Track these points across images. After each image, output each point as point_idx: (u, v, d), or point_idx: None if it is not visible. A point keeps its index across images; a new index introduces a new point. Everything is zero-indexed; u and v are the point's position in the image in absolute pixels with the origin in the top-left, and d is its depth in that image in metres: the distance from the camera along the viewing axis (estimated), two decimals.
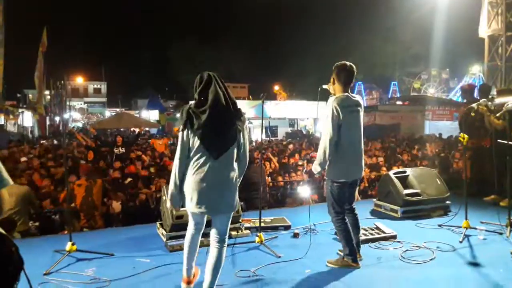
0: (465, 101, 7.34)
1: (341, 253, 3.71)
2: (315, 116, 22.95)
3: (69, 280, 3.36)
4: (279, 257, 3.85)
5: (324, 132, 3.49)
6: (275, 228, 4.69)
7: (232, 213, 2.96)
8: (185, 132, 2.79)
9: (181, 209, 3.06)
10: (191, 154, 2.78)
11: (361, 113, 3.59)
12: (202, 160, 2.76)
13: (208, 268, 2.91)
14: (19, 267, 1.40)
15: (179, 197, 2.87)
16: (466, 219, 4.48)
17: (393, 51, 38.65)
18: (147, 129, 24.00)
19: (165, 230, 4.40)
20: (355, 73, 3.54)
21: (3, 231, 1.39)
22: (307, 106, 22.59)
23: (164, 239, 4.29)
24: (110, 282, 3.33)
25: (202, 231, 3.07)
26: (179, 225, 4.28)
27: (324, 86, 3.74)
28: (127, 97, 50.34)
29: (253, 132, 19.66)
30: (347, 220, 3.62)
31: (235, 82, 42.21)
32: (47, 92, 29.70)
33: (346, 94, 3.51)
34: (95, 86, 50.88)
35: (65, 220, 5.34)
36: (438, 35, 28.55)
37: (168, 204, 2.95)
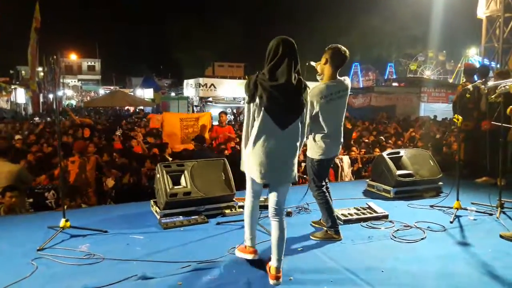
0: (464, 80, 7.32)
1: (316, 225, 4.11)
2: None
3: (63, 256, 3.38)
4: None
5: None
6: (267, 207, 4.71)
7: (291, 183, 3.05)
8: (251, 105, 2.85)
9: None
10: (258, 125, 2.82)
11: (347, 96, 3.77)
12: (268, 132, 2.82)
13: (273, 242, 2.99)
14: None
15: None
16: (457, 200, 4.53)
17: (391, 32, 38.30)
18: (141, 107, 23.84)
19: (158, 207, 4.42)
20: (348, 58, 3.66)
21: None
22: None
23: (158, 217, 4.32)
24: (104, 259, 3.35)
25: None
26: (173, 203, 4.31)
27: (312, 63, 3.84)
28: (122, 75, 49.80)
29: None
30: (327, 193, 3.82)
31: (231, 61, 41.80)
32: (40, 68, 29.27)
33: (330, 81, 3.62)
34: (89, 63, 50.15)
35: (59, 196, 5.34)
36: (436, 16, 28.22)
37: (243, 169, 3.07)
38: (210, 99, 22.19)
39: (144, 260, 3.34)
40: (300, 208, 4.72)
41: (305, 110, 2.96)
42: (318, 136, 3.68)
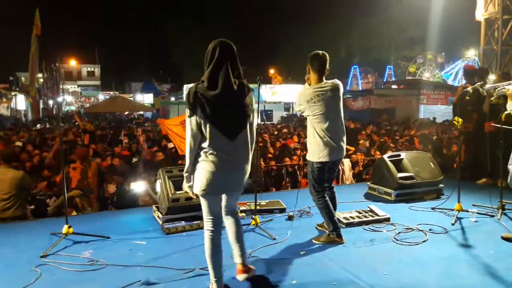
0: (464, 83, 7.34)
1: (321, 228, 4.07)
2: None
3: (66, 262, 3.39)
4: (274, 239, 3.90)
5: None
6: (270, 211, 4.74)
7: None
8: (194, 118, 2.64)
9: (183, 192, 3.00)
10: (206, 137, 2.66)
11: (338, 97, 3.75)
12: (217, 144, 2.67)
13: (233, 240, 2.90)
14: None
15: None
16: (458, 202, 4.54)
17: (389, 34, 38.34)
18: (141, 112, 23.86)
19: (161, 213, 4.42)
20: (328, 60, 3.74)
21: None
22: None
23: (160, 222, 4.32)
24: (107, 265, 3.36)
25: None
26: (175, 208, 4.32)
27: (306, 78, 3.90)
28: (121, 80, 49.88)
29: None
30: (327, 198, 3.81)
31: None
32: (40, 75, 29.33)
33: (315, 85, 3.70)
34: (89, 69, 50.27)
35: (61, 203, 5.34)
36: (435, 18, 28.33)
37: (187, 189, 2.84)
38: None
39: (147, 265, 3.35)
40: (302, 211, 4.73)
41: (251, 115, 2.82)
42: (316, 138, 3.70)
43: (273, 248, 3.71)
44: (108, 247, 3.82)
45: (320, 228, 4.14)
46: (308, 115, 3.76)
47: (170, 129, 9.06)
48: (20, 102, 27.95)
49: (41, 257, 3.50)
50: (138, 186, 6.12)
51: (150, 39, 47.56)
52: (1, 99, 24.31)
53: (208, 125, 2.64)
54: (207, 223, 2.82)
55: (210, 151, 2.67)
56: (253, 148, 2.91)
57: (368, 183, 5.91)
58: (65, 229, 3.85)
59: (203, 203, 2.82)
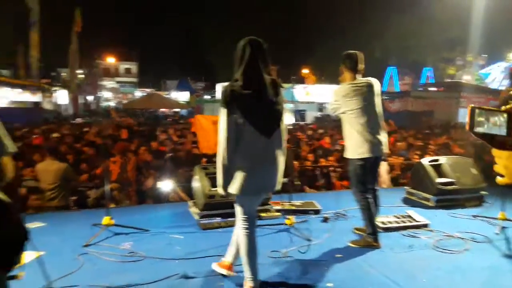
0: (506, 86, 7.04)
1: (358, 232, 3.97)
2: None
3: (107, 252, 3.51)
4: (310, 240, 3.88)
5: None
6: (305, 212, 4.71)
7: None
8: (230, 117, 2.63)
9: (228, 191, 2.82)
10: (240, 136, 2.64)
11: (373, 91, 3.75)
12: (253, 143, 2.65)
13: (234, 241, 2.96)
14: (22, 237, 1.39)
15: (230, 182, 2.71)
16: (502, 210, 4.36)
17: (428, 34, 37.23)
18: (177, 110, 24.30)
19: (197, 208, 4.50)
20: (361, 59, 3.75)
21: (6, 198, 1.39)
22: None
23: (197, 217, 4.40)
24: (146, 257, 3.46)
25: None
26: (211, 204, 4.37)
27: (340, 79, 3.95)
28: (157, 77, 50.92)
29: None
30: (370, 199, 3.74)
31: None
32: (79, 71, 30.41)
33: (351, 82, 3.72)
34: (126, 66, 51.66)
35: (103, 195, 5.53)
36: (476, 18, 27.27)
37: (220, 191, 2.77)
38: None
39: (185, 259, 3.42)
40: (338, 214, 4.68)
41: (283, 113, 2.79)
42: (355, 135, 3.66)
43: (308, 249, 3.69)
44: (146, 239, 3.92)
45: (358, 232, 4.07)
46: (344, 111, 3.71)
47: (201, 124, 9.13)
48: (61, 97, 29.13)
49: (84, 246, 3.64)
50: (165, 185, 6.09)
51: (186, 37, 48.27)
52: (44, 93, 25.41)
53: (244, 124, 2.63)
54: (242, 222, 2.84)
55: (246, 151, 2.66)
56: (285, 147, 2.88)
57: (406, 187, 5.77)
58: (106, 220, 3.98)
59: (238, 204, 2.84)
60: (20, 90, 22.83)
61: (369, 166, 3.73)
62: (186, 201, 5.38)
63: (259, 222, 4.36)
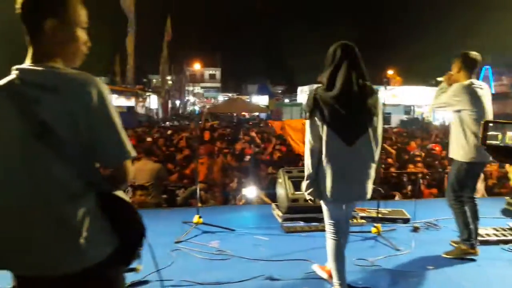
0: None
1: (455, 244, 3.69)
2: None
3: (197, 250, 3.70)
4: (398, 250, 3.71)
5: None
6: (393, 220, 4.52)
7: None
8: (313, 121, 2.62)
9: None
10: (324, 142, 2.59)
11: (489, 95, 3.57)
12: (335, 149, 2.58)
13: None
14: (142, 234, 1.50)
15: (316, 189, 2.70)
16: None
17: None
18: (257, 114, 24.81)
19: (280, 211, 4.54)
20: (479, 60, 3.58)
21: (126, 198, 1.51)
22: (425, 91, 20.87)
23: (280, 220, 4.44)
24: (233, 256, 3.57)
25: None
26: (294, 208, 4.40)
27: (439, 79, 3.76)
28: (238, 82, 52.49)
29: None
30: (465, 205, 3.54)
31: None
32: (168, 77, 32.42)
33: (470, 80, 3.50)
34: (211, 72, 54.02)
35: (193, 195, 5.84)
36: None
37: (307, 196, 2.77)
38: None
39: (270, 260, 3.48)
40: (429, 224, 4.42)
41: (375, 118, 2.65)
42: (470, 138, 3.41)
43: (397, 259, 3.54)
44: (233, 239, 4.05)
45: (454, 245, 3.77)
46: (461, 110, 3.47)
47: (289, 130, 9.19)
48: (153, 101, 31.35)
49: (176, 242, 3.87)
50: (250, 192, 5.99)
51: (266, 43, 49.15)
52: (138, 98, 27.54)
53: (326, 129, 2.58)
54: (329, 228, 2.80)
55: (329, 157, 2.60)
56: (378, 155, 2.75)
57: (506, 197, 5.26)
58: (196, 219, 4.19)
59: (325, 209, 2.81)
60: (116, 95, 25.02)
61: (474, 172, 3.52)
62: (269, 203, 5.47)
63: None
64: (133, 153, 1.42)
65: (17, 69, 1.39)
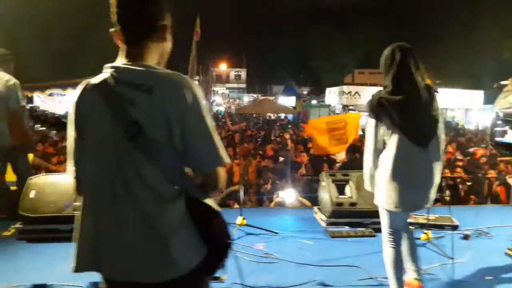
0: None
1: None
2: (469, 106, 20.55)
3: (243, 252, 3.66)
4: (452, 258, 3.57)
5: None
6: (441, 227, 4.37)
7: None
8: (378, 127, 2.55)
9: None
10: (392, 148, 2.52)
11: None
12: (405, 154, 2.50)
13: (407, 252, 2.75)
14: (229, 244, 1.45)
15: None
16: None
17: None
18: (284, 115, 24.71)
19: (324, 215, 4.47)
20: None
21: (216, 206, 1.47)
22: (457, 94, 20.26)
23: (324, 224, 4.37)
24: (280, 260, 3.52)
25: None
26: (338, 212, 4.32)
27: (505, 82, 3.59)
28: (264, 83, 52.43)
29: None
30: None
31: (372, 68, 40.32)
32: (196, 77, 32.67)
33: None
34: (236, 72, 54.20)
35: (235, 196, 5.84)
36: None
37: (376, 202, 2.70)
38: (352, 107, 21.81)
39: (319, 265, 3.41)
40: (479, 231, 4.26)
41: (440, 120, 2.58)
42: None
43: (451, 268, 3.38)
44: (277, 242, 4.01)
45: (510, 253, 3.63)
46: None
47: (312, 130, 9.04)
48: None
49: None
50: (288, 195, 5.77)
51: (291, 43, 48.94)
52: None
53: (395, 134, 2.50)
54: (387, 235, 2.72)
55: (397, 162, 2.51)
56: (442, 159, 2.67)
57: None
58: (239, 220, 4.16)
59: (385, 216, 2.71)
60: None
61: None
62: (308, 206, 5.40)
63: None
64: (227, 159, 1.38)
65: (111, 67, 1.38)
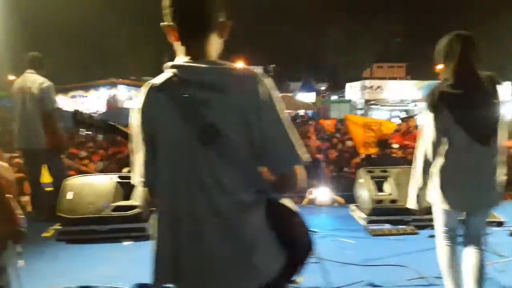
0: None
1: None
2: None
3: None
4: (502, 256, 3.43)
5: None
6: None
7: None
8: (437, 121, 2.38)
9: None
10: (450, 142, 2.39)
11: None
12: (464, 149, 2.37)
13: (468, 279, 2.52)
14: (310, 248, 1.40)
15: (423, 195, 2.53)
16: None
17: None
18: (304, 111, 24.57)
19: (363, 213, 4.36)
20: None
21: (295, 207, 1.40)
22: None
23: (364, 222, 4.27)
24: (323, 259, 3.42)
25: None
26: (378, 210, 4.22)
27: None
28: (280, 79, 52.30)
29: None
30: None
31: (391, 62, 39.79)
32: None
33: None
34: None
35: None
36: None
37: (411, 205, 2.59)
38: (374, 102, 21.52)
39: (364, 265, 3.32)
40: None
41: (501, 113, 2.42)
42: None
43: (502, 266, 3.27)
44: (317, 240, 3.90)
45: None
46: None
47: (351, 124, 8.88)
48: None
49: None
50: (322, 194, 5.50)
51: (307, 39, 48.67)
52: None
53: (455, 129, 2.36)
54: (441, 234, 2.60)
55: (457, 159, 2.39)
56: (504, 155, 2.51)
57: None
58: None
59: (437, 215, 2.58)
60: None
61: None
62: (342, 204, 5.29)
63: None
64: (305, 156, 1.30)
65: (173, 67, 1.30)
